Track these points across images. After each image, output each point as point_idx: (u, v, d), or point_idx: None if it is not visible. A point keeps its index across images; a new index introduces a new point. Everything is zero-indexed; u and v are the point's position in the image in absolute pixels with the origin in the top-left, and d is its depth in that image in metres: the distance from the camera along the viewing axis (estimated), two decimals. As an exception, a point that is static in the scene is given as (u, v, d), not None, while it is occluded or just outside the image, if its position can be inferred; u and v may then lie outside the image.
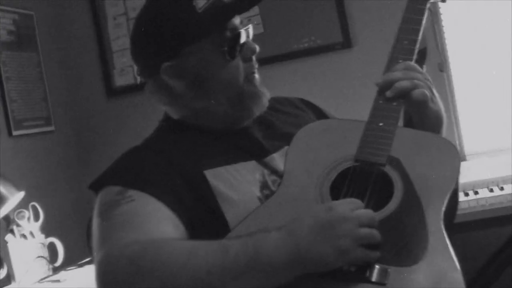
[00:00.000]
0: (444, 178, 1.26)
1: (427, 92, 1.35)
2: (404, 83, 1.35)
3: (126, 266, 1.12)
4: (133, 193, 1.25)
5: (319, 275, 1.13)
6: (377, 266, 1.13)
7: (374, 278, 1.12)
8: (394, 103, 1.34)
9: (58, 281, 2.39)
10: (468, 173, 2.69)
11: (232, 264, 1.11)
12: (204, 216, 1.29)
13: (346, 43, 3.06)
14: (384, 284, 1.12)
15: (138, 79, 3.23)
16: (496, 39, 2.94)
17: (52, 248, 2.57)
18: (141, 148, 1.40)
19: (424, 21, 1.48)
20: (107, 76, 3.30)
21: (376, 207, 1.21)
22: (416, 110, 1.39)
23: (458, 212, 2.37)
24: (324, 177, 1.28)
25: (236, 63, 1.37)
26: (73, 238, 2.78)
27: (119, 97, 3.30)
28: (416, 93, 1.34)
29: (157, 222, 1.22)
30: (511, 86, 2.89)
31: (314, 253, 1.11)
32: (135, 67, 3.04)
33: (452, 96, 2.92)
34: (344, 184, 1.27)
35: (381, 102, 1.35)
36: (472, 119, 2.94)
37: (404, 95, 1.34)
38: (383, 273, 1.13)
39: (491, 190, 2.51)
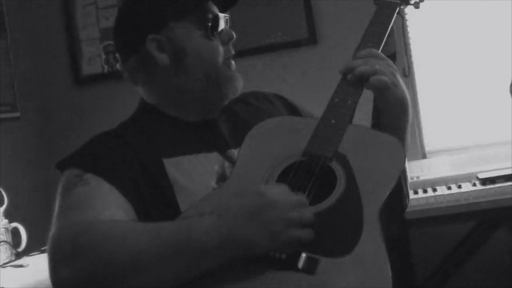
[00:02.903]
0: (385, 175, 1.28)
1: (385, 78, 1.41)
2: (363, 68, 1.41)
3: (66, 245, 1.18)
4: (89, 176, 1.31)
5: (248, 262, 1.15)
6: (304, 255, 1.15)
7: (301, 265, 1.14)
8: (353, 89, 1.40)
9: (21, 265, 2.40)
10: (427, 171, 2.76)
11: (163, 244, 1.15)
12: (158, 204, 1.33)
13: (312, 39, 3.11)
14: (312, 273, 1.13)
15: (106, 68, 3.26)
16: (458, 40, 3.01)
17: (14, 233, 2.57)
18: (107, 134, 1.45)
19: (390, 26, 1.53)
20: (74, 64, 3.31)
21: (318, 201, 1.24)
22: (378, 95, 1.45)
23: (417, 209, 2.49)
24: (272, 170, 1.32)
25: (216, 44, 1.45)
26: (35, 224, 2.78)
27: (86, 85, 3.31)
28: (373, 79, 1.40)
29: (107, 205, 1.27)
30: (472, 87, 2.97)
31: (244, 237, 1.14)
32: (103, 57, 3.03)
33: (414, 95, 2.99)
34: (289, 177, 1.30)
35: (336, 100, 1.40)
36: (433, 118, 3.00)
37: (363, 79, 1.40)
38: (313, 262, 1.14)
39: (449, 188, 2.57)
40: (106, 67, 3.28)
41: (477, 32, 3.01)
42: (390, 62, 1.46)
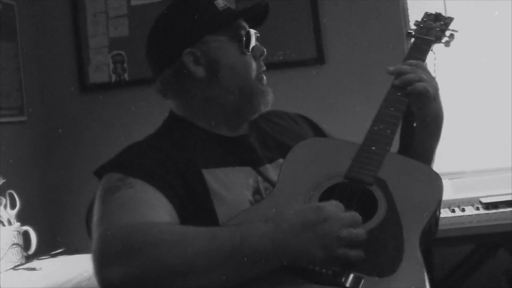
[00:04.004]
0: (425, 202, 1.35)
1: (429, 88, 1.50)
2: (412, 76, 1.52)
3: (117, 245, 1.19)
4: (132, 180, 1.33)
5: (296, 274, 1.20)
6: (353, 274, 1.19)
7: (348, 283, 1.18)
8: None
9: (34, 269, 2.42)
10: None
11: (219, 249, 1.18)
12: (197, 212, 1.36)
13: (320, 59, 3.17)
14: None
15: (113, 77, 3.29)
16: (459, 67, 3.10)
17: (25, 237, 2.59)
18: (143, 143, 1.48)
19: (425, 61, 1.62)
20: (82, 71, 3.33)
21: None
22: (419, 104, 1.53)
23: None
24: (314, 189, 1.37)
25: (249, 58, 1.50)
26: (43, 228, 2.81)
27: (92, 93, 3.33)
28: (418, 85, 1.50)
29: (153, 208, 1.29)
30: (474, 113, 3.07)
31: (298, 246, 1.18)
32: (111, 66, 3.04)
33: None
34: (332, 198, 1.34)
35: (375, 128, 1.47)
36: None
37: (408, 85, 1.50)
38: (357, 280, 1.19)
39: (453, 211, 2.64)
40: (113, 76, 3.30)
41: (477, 58, 3.09)
42: (435, 78, 1.55)
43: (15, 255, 2.48)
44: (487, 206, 2.61)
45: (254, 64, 1.51)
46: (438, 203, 1.37)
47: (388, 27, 3.10)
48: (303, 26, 3.17)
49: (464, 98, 3.09)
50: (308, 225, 1.19)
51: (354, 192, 1.35)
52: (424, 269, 1.23)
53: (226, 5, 1.53)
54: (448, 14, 1.76)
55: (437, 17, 1.73)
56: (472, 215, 2.59)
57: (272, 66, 3.10)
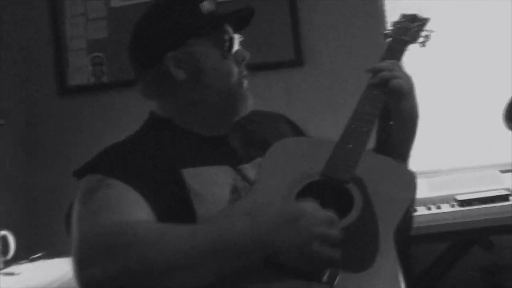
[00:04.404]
0: (399, 199, 1.39)
1: (404, 85, 1.55)
2: (388, 74, 1.57)
3: (97, 246, 1.21)
4: (111, 181, 1.35)
5: (272, 270, 1.23)
6: (329, 270, 1.22)
7: (324, 279, 1.22)
8: (369, 116, 1.51)
9: (12, 273, 2.41)
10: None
11: (199, 245, 1.21)
12: (175, 211, 1.38)
13: (298, 61, 3.19)
14: (331, 286, 1.21)
15: (92, 79, 3.29)
16: (436, 65, 3.14)
17: (3, 241, 2.58)
18: (122, 143, 1.51)
19: (401, 61, 1.67)
20: (60, 74, 3.33)
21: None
22: (395, 99, 1.57)
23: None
24: (291, 188, 1.39)
25: (230, 63, 1.53)
26: (23, 232, 2.80)
27: (71, 96, 3.33)
28: (394, 81, 1.55)
29: (131, 208, 1.31)
30: (451, 111, 3.11)
31: (277, 239, 1.20)
32: (90, 68, 3.04)
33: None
34: (308, 196, 1.36)
35: (352, 126, 1.50)
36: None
37: (384, 84, 1.55)
38: (333, 275, 1.22)
39: (429, 208, 2.67)
40: (93, 78, 3.30)
41: (451, 57, 3.14)
42: (410, 76, 1.60)
43: (-6, 260, 2.47)
44: (462, 203, 2.65)
45: (235, 69, 1.53)
46: (412, 200, 1.41)
47: (367, 28, 3.13)
48: (281, 27, 3.19)
49: (440, 97, 3.13)
50: (285, 221, 1.22)
51: (331, 190, 1.39)
52: (398, 264, 1.27)
53: (210, 8, 1.54)
54: (427, 15, 1.78)
55: (414, 18, 1.76)
56: (447, 212, 2.63)
57: (251, 67, 3.18)
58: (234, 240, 1.21)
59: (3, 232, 2.58)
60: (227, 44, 1.52)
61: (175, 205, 1.39)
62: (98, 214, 1.29)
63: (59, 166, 3.17)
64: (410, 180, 1.44)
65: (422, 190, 2.82)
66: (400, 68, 1.60)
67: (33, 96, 3.35)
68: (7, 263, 2.56)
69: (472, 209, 2.62)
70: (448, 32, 3.06)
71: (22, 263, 2.59)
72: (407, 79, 1.58)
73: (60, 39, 3.32)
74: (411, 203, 1.41)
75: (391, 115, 1.61)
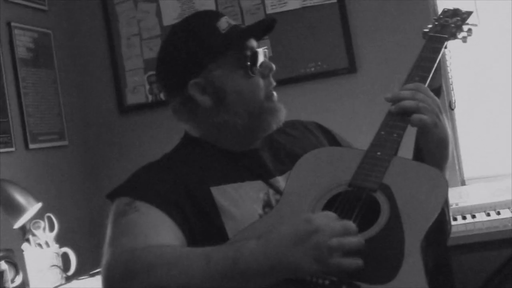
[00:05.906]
0: (428, 207, 1.33)
1: (426, 119, 1.43)
2: (408, 103, 1.45)
3: (119, 270, 1.26)
4: (139, 204, 1.38)
5: (293, 285, 1.21)
6: (346, 283, 1.20)
7: None
8: (399, 122, 1.44)
9: (72, 289, 2.49)
10: (467, 197, 2.78)
11: (213, 270, 1.21)
12: (206, 230, 1.40)
13: (351, 68, 3.17)
14: None
15: (150, 97, 3.36)
16: (495, 69, 3.05)
17: (65, 258, 2.66)
18: (153, 164, 1.52)
19: (438, 60, 1.56)
20: (119, 93, 3.41)
21: (363, 230, 1.28)
22: (419, 132, 1.49)
23: (456, 235, 2.51)
24: (318, 199, 1.37)
25: (256, 79, 1.50)
26: (84, 249, 2.88)
27: (130, 114, 3.41)
28: (415, 117, 1.43)
29: (158, 230, 1.34)
30: (510, 115, 3.01)
31: (290, 260, 1.18)
32: (147, 87, 3.12)
33: (453, 123, 3.01)
34: (334, 207, 1.35)
35: (382, 133, 1.45)
36: (471, 146, 3.04)
37: (407, 114, 1.44)
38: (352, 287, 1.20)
39: (488, 214, 2.59)
40: (150, 96, 3.37)
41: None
42: (436, 100, 1.48)
43: (55, 276, 2.55)
44: (523, 208, 2.55)
45: (262, 84, 1.51)
46: (442, 206, 1.35)
47: (419, 32, 3.06)
48: (333, 35, 3.18)
49: (501, 100, 3.02)
50: (298, 238, 1.19)
51: (358, 199, 1.35)
52: (424, 275, 1.22)
53: (229, 25, 1.51)
54: (471, 8, 1.70)
55: (455, 12, 1.68)
56: (507, 218, 2.52)
57: (304, 78, 3.20)
58: (249, 261, 1.20)
59: (64, 249, 2.66)
60: (249, 60, 1.49)
61: (205, 223, 1.41)
62: (123, 239, 1.32)
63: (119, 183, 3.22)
64: (438, 182, 1.39)
65: (482, 196, 2.74)
66: (424, 91, 1.47)
67: (93, 116, 3.44)
68: (68, 279, 2.63)
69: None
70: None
71: (82, 279, 2.65)
72: (431, 107, 1.45)
73: (117, 60, 3.40)
74: (442, 209, 1.35)
75: (419, 142, 1.53)
